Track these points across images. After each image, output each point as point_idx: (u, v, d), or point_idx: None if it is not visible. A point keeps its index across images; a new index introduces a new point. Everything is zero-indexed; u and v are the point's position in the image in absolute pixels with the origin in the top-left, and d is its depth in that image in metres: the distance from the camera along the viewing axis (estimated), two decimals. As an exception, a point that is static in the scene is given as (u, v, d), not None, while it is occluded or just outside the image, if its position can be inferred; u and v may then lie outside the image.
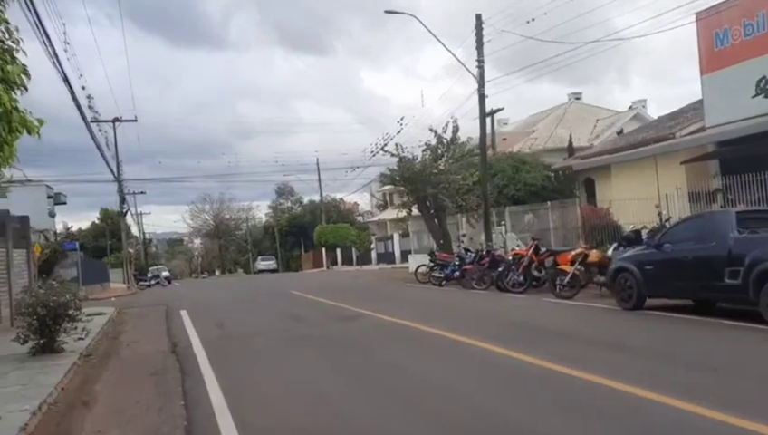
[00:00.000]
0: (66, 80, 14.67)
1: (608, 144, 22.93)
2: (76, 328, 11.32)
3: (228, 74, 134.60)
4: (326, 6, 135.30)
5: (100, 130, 31.50)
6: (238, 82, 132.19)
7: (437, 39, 18.61)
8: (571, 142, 32.99)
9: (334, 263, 59.32)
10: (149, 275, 49.33)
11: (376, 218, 66.91)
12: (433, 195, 21.87)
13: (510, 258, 15.93)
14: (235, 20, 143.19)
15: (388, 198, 71.27)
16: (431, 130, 22.51)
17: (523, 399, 5.78)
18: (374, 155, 36.82)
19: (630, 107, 42.53)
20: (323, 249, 60.12)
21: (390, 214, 63.92)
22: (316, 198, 75.45)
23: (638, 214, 19.65)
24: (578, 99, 45.80)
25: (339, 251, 59.89)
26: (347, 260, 59.49)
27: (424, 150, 22.72)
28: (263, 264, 66.54)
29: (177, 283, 52.87)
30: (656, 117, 39.67)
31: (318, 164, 57.49)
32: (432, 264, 20.43)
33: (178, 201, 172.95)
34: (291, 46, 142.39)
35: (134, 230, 74.17)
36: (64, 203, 61.44)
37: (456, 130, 22.48)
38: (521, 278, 15.12)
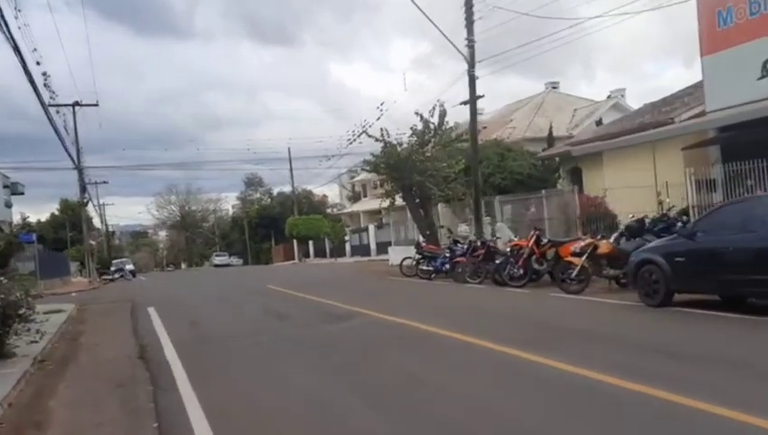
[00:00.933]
0: (16, 49, 12.98)
1: (600, 130, 22.05)
2: (29, 330, 10.00)
3: (194, 65, 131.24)
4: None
5: (58, 112, 29.55)
6: (205, 72, 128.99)
7: (425, 15, 17.32)
8: (551, 131, 32.28)
9: (306, 255, 57.90)
10: (113, 269, 47.29)
11: (349, 210, 65.57)
12: (419, 183, 20.65)
13: (508, 250, 14.83)
14: (200, 10, 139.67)
15: (360, 189, 70.07)
16: (417, 114, 21.35)
17: (582, 421, 4.63)
18: (351, 143, 35.69)
19: (609, 96, 41.89)
20: (295, 242, 58.58)
21: (364, 205, 62.69)
22: (286, 189, 73.98)
23: (634, 203, 18.81)
24: (555, 88, 45.08)
25: (311, 243, 58.45)
26: (319, 253, 58.13)
27: (410, 136, 21.53)
28: (217, 259, 71.35)
29: (142, 276, 50.87)
30: (635, 107, 39.39)
31: (290, 153, 55.67)
32: (419, 256, 19.26)
33: (143, 193, 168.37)
34: (258, 37, 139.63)
35: (96, 222, 71.73)
36: (22, 193, 58.39)
37: (443, 114, 21.28)
38: (520, 271, 14.03)
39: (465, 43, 18.63)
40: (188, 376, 7.28)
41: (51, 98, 21.77)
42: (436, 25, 18.22)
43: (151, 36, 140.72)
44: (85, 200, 40.22)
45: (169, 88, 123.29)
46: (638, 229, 14.63)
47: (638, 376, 5.57)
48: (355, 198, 76.11)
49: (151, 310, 15.94)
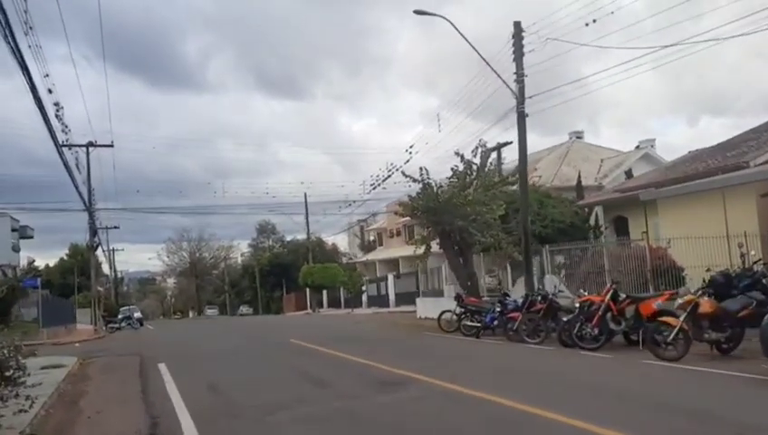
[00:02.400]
0: (25, 67, 11.40)
1: (655, 176, 20.28)
2: (17, 395, 8.12)
3: (207, 115, 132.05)
4: (303, 52, 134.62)
5: (70, 150, 28.24)
6: (216, 123, 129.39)
7: (468, 42, 15.88)
8: (579, 181, 30.81)
9: (320, 305, 55.71)
10: (120, 317, 45.27)
11: (363, 259, 63.52)
12: (461, 229, 18.75)
13: (576, 305, 12.83)
14: (212, 63, 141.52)
15: (376, 238, 68.23)
16: (457, 154, 19.64)
17: None
18: (374, 187, 34.13)
19: (638, 146, 40.43)
20: (307, 291, 56.49)
21: (380, 254, 60.75)
22: (299, 236, 72.27)
23: (699, 254, 16.94)
24: (579, 138, 43.77)
25: (324, 293, 56.37)
26: (333, 303, 56.00)
27: (451, 177, 19.77)
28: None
29: (149, 325, 48.79)
30: (665, 158, 37.79)
31: (306, 198, 54.11)
32: (462, 310, 17.25)
33: (152, 239, 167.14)
34: (269, 90, 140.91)
35: (105, 268, 70.09)
36: (31, 237, 57.21)
37: (486, 155, 19.55)
38: (595, 331, 12.00)
39: (514, 78, 17.11)
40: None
41: (63, 131, 20.29)
42: (483, 57, 16.73)
43: (165, 88, 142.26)
44: (95, 244, 38.52)
45: (182, 137, 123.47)
46: (724, 285, 12.64)
47: None
48: (368, 247, 74.20)
49: (162, 367, 14.02)
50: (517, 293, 17.79)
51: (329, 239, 75.49)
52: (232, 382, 10.87)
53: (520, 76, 17.02)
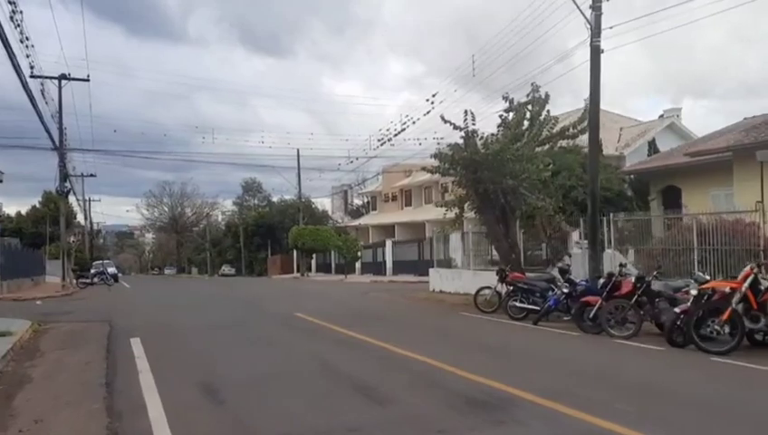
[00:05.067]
0: None
1: (732, 137, 17.12)
2: None
3: (187, 68, 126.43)
4: (287, 9, 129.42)
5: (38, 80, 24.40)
6: (197, 76, 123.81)
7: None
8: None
9: (309, 269, 52.47)
10: (92, 271, 41.61)
11: (356, 223, 60.17)
12: (507, 190, 15.34)
13: (693, 293, 9.68)
14: (194, 14, 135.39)
15: (369, 202, 64.92)
16: (505, 98, 16.12)
17: None
18: (383, 143, 30.72)
19: (662, 116, 37.59)
20: (295, 253, 53.12)
21: (374, 219, 57.46)
22: (286, 197, 68.69)
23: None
24: (597, 104, 40.42)
25: (314, 257, 53.09)
26: (323, 267, 52.89)
27: (499, 125, 16.31)
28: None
29: (125, 282, 45.19)
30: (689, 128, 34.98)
31: (299, 155, 50.46)
32: (509, 288, 14.09)
33: (131, 193, 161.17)
34: (251, 46, 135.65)
35: (81, 219, 66.18)
36: (0, 181, 53.04)
37: (544, 101, 16.07)
38: (726, 330, 8.89)
39: (590, 5, 13.74)
40: None
41: (22, 42, 16.47)
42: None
43: (144, 37, 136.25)
44: (66, 190, 34.66)
45: (161, 89, 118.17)
46: None
47: None
48: (353, 212, 70.77)
49: (136, 344, 10.84)
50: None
51: (316, 201, 71.97)
52: (235, 383, 7.59)
53: (597, 3, 13.66)
